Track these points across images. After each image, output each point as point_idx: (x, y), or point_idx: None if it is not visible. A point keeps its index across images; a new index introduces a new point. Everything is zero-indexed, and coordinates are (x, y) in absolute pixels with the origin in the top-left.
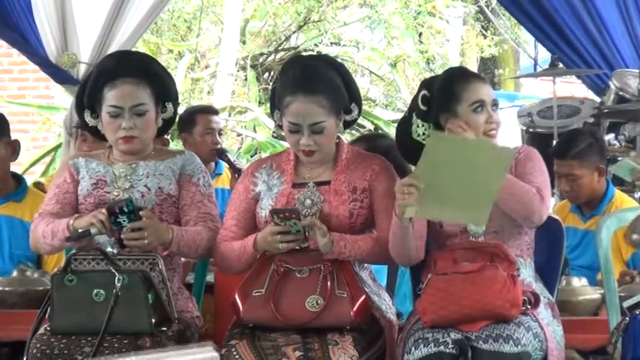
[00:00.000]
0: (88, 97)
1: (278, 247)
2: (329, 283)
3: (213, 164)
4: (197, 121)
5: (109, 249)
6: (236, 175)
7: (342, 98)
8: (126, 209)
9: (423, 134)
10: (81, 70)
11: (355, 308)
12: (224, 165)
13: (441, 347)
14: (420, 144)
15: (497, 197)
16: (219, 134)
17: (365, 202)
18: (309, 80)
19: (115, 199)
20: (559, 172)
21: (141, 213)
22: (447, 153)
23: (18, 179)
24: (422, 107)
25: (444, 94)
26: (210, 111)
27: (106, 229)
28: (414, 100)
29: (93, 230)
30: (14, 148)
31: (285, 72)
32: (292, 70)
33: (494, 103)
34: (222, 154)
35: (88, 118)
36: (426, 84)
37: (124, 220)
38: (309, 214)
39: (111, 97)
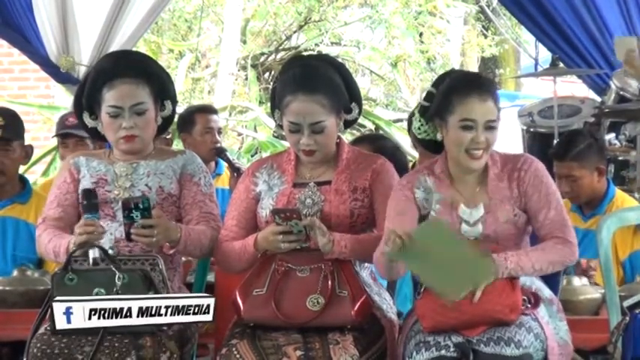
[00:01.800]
0: (86, 99)
1: (280, 246)
2: (330, 283)
3: (213, 164)
4: (196, 120)
5: (109, 250)
6: (235, 174)
7: (342, 98)
8: (141, 205)
9: (419, 129)
10: (81, 70)
11: (356, 307)
12: (224, 165)
13: (442, 351)
14: (414, 137)
15: (540, 272)
16: (219, 133)
17: (366, 201)
18: (309, 80)
19: (130, 197)
20: (559, 173)
21: (156, 212)
22: (442, 240)
23: (23, 181)
24: (424, 103)
25: (442, 101)
26: (209, 110)
27: (100, 231)
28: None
29: (96, 254)
30: (27, 152)
31: (286, 71)
32: (292, 70)
33: (489, 124)
34: (221, 152)
35: (86, 119)
36: (439, 80)
37: (136, 216)
38: (310, 213)
39: (110, 97)
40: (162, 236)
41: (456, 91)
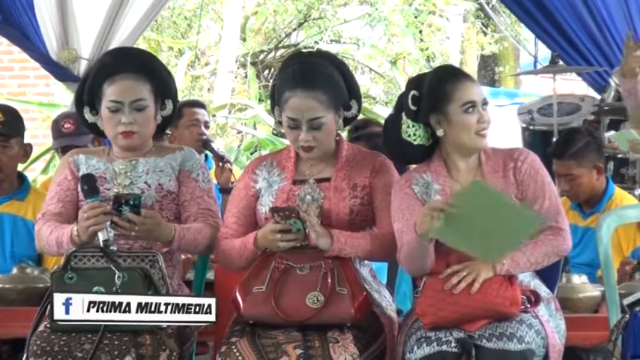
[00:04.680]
0: (87, 94)
1: (278, 245)
2: (329, 280)
3: (202, 158)
4: (182, 113)
5: (112, 247)
6: (220, 164)
7: (341, 94)
8: (131, 202)
9: (414, 134)
10: (81, 68)
11: (356, 305)
12: (212, 159)
13: (444, 346)
14: (409, 144)
15: (537, 265)
16: (206, 127)
17: (365, 199)
18: (307, 76)
19: (123, 193)
20: (558, 171)
21: (147, 213)
22: (484, 200)
23: (21, 178)
24: (412, 107)
25: (434, 94)
26: (195, 104)
27: (106, 211)
28: (402, 99)
29: (105, 235)
30: (26, 150)
31: (285, 68)
32: (292, 66)
33: (484, 102)
34: (206, 144)
35: (87, 114)
36: (414, 83)
37: (125, 210)
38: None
39: (111, 92)
40: (144, 235)
41: (447, 80)
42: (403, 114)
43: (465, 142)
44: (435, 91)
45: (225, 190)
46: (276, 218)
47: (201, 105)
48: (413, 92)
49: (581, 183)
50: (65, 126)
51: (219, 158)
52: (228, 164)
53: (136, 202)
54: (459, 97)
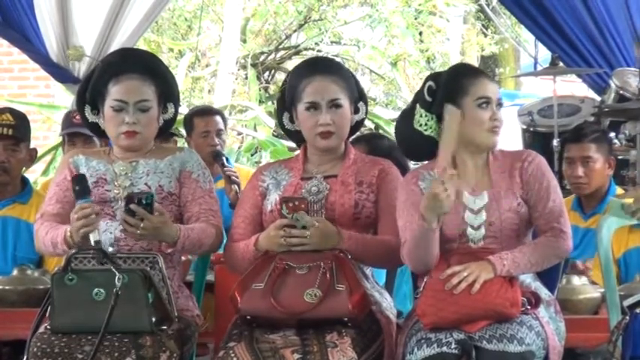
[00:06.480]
0: (91, 92)
1: (279, 241)
2: (328, 278)
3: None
4: (195, 124)
5: (109, 249)
6: (228, 182)
7: (355, 89)
8: (144, 201)
9: (426, 124)
10: (82, 69)
11: (353, 300)
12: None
13: (444, 348)
14: (420, 135)
15: (537, 266)
16: (218, 135)
17: (371, 196)
18: (325, 64)
19: (135, 192)
20: (574, 156)
21: (157, 208)
22: None
23: (24, 181)
24: (427, 98)
25: (451, 86)
26: (206, 112)
27: (96, 211)
28: (418, 93)
29: (96, 237)
30: (31, 155)
31: (298, 68)
32: (305, 63)
33: (499, 102)
34: (217, 156)
35: (88, 113)
36: (432, 77)
37: (137, 209)
38: (315, 201)
39: (115, 91)
40: (149, 234)
41: (465, 75)
42: (417, 104)
43: (475, 138)
44: (451, 83)
45: (234, 206)
46: (284, 211)
47: (213, 112)
48: (429, 83)
49: (595, 169)
50: (77, 117)
51: (227, 177)
52: (235, 186)
53: (148, 201)
54: (474, 91)
